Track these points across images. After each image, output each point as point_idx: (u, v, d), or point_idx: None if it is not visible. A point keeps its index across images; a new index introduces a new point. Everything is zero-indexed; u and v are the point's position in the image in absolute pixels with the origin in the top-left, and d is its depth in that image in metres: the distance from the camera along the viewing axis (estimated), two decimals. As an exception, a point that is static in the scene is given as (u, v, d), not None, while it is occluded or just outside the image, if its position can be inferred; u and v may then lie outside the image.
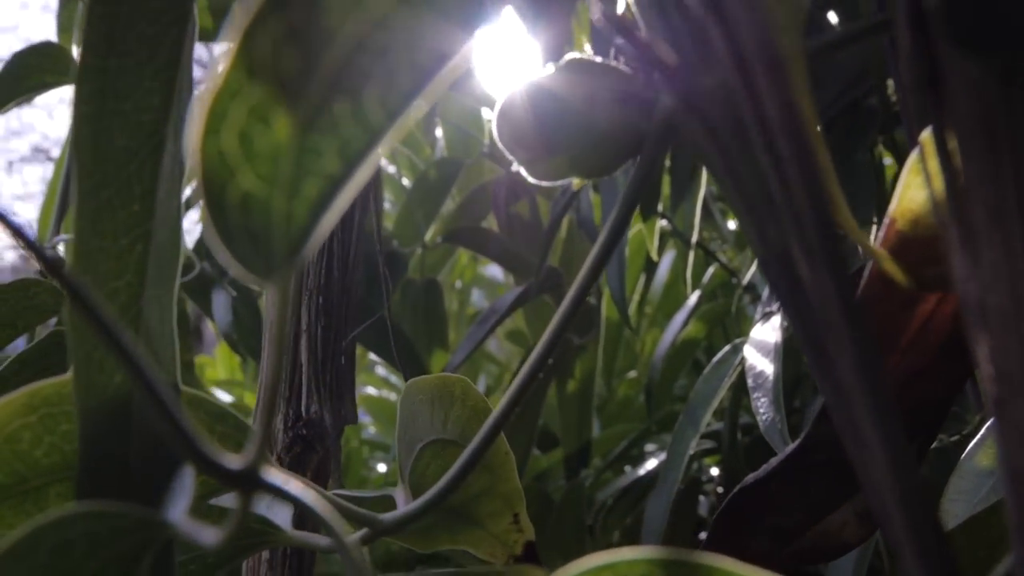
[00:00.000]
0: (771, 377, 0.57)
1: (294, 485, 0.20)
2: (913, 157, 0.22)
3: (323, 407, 0.47)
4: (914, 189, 0.23)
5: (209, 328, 1.00)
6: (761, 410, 0.55)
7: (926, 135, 0.23)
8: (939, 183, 0.18)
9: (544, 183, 0.25)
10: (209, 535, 0.18)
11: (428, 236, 0.96)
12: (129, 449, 0.22)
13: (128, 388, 0.22)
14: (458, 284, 1.42)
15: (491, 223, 1.06)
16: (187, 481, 0.20)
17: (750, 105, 0.16)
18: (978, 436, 0.37)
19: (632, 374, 1.36)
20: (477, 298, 1.58)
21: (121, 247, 0.24)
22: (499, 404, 0.23)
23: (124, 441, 0.23)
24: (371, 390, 1.48)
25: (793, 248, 0.21)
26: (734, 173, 0.20)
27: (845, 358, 0.16)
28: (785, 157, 0.16)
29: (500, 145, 0.25)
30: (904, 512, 0.18)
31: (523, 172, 0.25)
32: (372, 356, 1.28)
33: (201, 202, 0.20)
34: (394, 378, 1.42)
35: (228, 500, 0.28)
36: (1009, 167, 0.15)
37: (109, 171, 0.23)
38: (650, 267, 1.08)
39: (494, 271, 1.58)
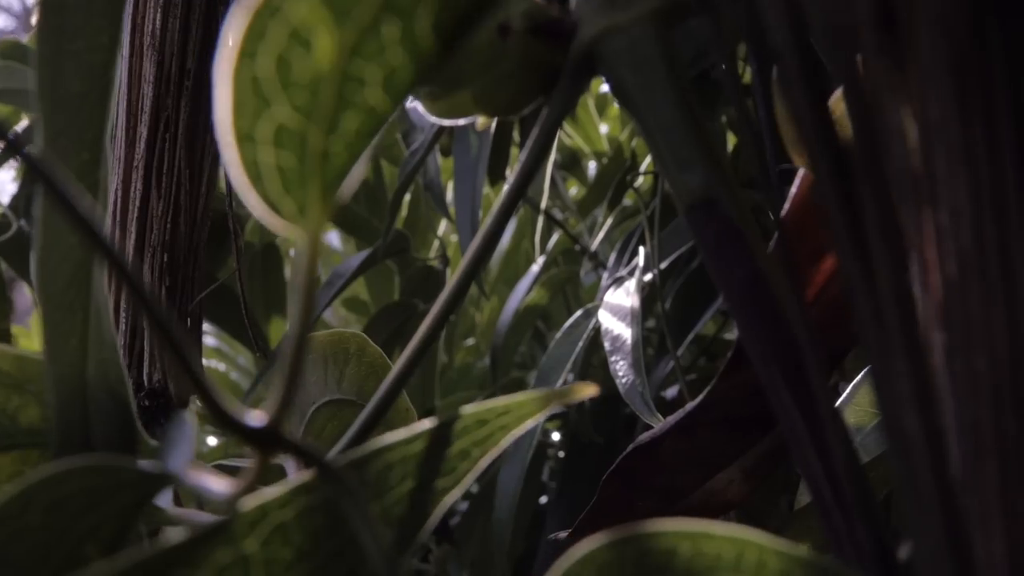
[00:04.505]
0: (629, 341, 0.57)
1: (313, 444, 0.19)
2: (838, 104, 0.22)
3: (167, 376, 0.43)
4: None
5: (25, 294, 0.92)
6: (620, 373, 0.55)
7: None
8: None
9: (445, 122, 0.23)
10: (220, 489, 0.18)
11: (267, 197, 0.91)
12: (89, 427, 0.21)
13: (81, 357, 0.20)
14: (292, 252, 1.37)
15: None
16: (188, 429, 0.18)
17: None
18: (844, 394, 0.38)
19: (470, 341, 1.36)
20: (312, 265, 1.53)
21: None
22: (398, 360, 0.21)
23: (84, 417, 0.21)
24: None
25: (721, 196, 0.20)
26: (673, 110, 0.19)
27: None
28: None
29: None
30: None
31: (421, 109, 0.23)
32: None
33: (221, 136, 0.18)
34: (226, 347, 1.35)
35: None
36: (979, 106, 0.15)
37: (64, 117, 0.21)
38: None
39: (330, 238, 1.53)
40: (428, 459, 0.19)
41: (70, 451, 0.21)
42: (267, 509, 0.17)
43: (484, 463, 0.19)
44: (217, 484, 0.18)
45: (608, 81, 0.21)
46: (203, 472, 0.18)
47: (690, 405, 0.28)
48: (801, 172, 0.23)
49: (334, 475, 0.18)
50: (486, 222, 0.22)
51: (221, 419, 0.18)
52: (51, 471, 0.16)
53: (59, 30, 0.20)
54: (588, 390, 0.20)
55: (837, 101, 0.22)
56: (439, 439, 0.19)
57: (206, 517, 0.21)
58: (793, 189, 0.23)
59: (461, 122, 0.23)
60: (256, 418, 0.19)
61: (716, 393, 0.27)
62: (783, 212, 0.23)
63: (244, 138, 0.18)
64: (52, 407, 0.21)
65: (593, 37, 0.20)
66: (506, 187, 0.22)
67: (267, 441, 0.19)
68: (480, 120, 0.23)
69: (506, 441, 0.20)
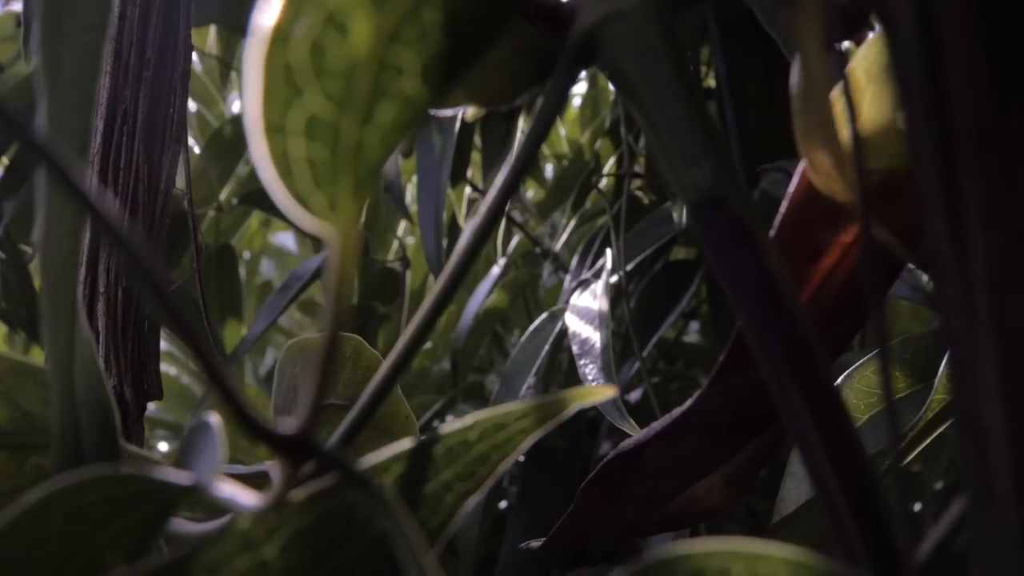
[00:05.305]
0: (598, 344, 0.56)
1: (348, 456, 0.18)
2: (838, 99, 0.21)
3: (123, 381, 0.41)
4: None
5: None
6: (590, 377, 0.54)
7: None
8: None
9: (435, 113, 0.22)
10: (248, 501, 0.17)
11: (223, 196, 0.89)
12: (78, 424, 0.20)
13: (69, 352, 0.20)
14: (247, 255, 1.34)
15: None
16: (214, 437, 0.17)
17: None
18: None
19: (427, 345, 1.34)
20: (266, 268, 1.51)
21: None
22: (388, 358, 0.20)
23: (73, 415, 0.21)
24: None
25: (729, 193, 0.19)
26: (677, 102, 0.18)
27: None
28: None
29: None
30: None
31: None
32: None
33: (250, 127, 0.17)
34: (177, 351, 1.32)
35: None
36: (1019, 103, 0.14)
37: (57, 98, 0.20)
38: (453, 236, 1.06)
39: (284, 240, 1.51)
40: (448, 464, 0.18)
41: (67, 451, 0.20)
42: (286, 515, 0.17)
43: (504, 467, 0.19)
44: (245, 496, 0.17)
45: (608, 70, 0.20)
46: (229, 482, 0.17)
47: (677, 411, 0.27)
48: (800, 170, 0.22)
49: (363, 481, 0.17)
50: (476, 218, 0.21)
51: (248, 426, 0.17)
52: (73, 479, 0.16)
53: (57, 9, 0.19)
54: (608, 391, 0.19)
55: (840, 97, 0.21)
56: (459, 444, 0.18)
57: (198, 528, 0.20)
58: (791, 188, 0.23)
59: (447, 113, 0.22)
60: (286, 426, 0.18)
61: (705, 399, 0.26)
62: (781, 211, 0.23)
63: (274, 129, 0.17)
64: (53, 405, 0.20)
65: (593, 23, 0.19)
66: (498, 181, 0.20)
67: (298, 450, 0.18)
68: (470, 111, 0.22)
69: (525, 445, 0.19)
